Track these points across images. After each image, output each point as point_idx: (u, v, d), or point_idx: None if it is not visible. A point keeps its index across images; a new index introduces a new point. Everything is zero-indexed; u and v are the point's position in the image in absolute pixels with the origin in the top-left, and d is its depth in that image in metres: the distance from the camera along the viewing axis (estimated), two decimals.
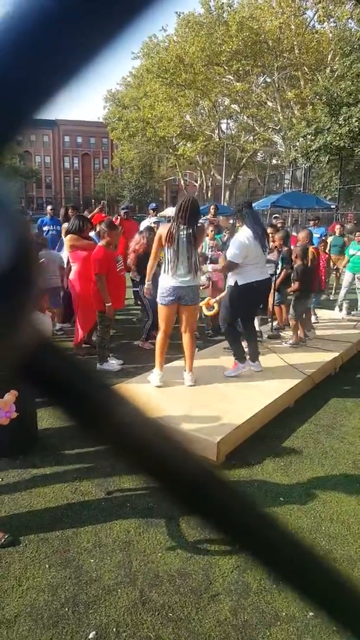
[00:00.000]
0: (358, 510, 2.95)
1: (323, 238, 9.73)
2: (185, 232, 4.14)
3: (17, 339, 0.23)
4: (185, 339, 4.43)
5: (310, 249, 6.30)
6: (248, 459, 3.49)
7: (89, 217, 8.04)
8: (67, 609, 2.16)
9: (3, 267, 0.21)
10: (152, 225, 7.81)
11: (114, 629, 2.05)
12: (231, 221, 9.79)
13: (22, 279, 0.22)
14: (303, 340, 5.89)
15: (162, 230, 4.29)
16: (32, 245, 0.23)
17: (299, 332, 5.86)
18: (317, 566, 0.34)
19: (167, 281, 4.24)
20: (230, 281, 4.69)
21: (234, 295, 4.66)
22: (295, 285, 5.65)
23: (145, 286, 4.61)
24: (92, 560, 2.46)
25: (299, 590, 0.34)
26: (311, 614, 2.15)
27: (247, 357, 4.78)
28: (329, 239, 10.23)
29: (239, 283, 4.57)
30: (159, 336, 4.44)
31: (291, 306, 5.89)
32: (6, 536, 2.61)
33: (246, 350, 4.82)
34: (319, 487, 3.19)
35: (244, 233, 4.58)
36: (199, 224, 4.42)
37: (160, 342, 4.42)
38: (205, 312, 6.26)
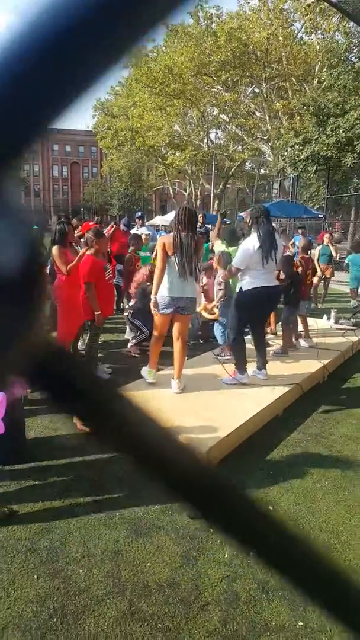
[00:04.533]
0: (347, 519, 2.96)
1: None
2: (187, 240, 4.21)
3: (24, 343, 0.23)
4: (177, 346, 4.47)
5: (299, 258, 6.36)
6: (237, 468, 3.49)
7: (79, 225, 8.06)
8: (55, 619, 2.14)
9: (12, 270, 0.21)
10: (141, 234, 7.86)
11: None
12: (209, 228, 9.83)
13: (29, 284, 0.23)
14: (285, 352, 5.93)
15: (166, 239, 4.32)
16: (40, 251, 0.23)
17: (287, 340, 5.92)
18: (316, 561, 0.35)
19: (169, 291, 4.29)
20: (237, 287, 4.74)
21: (240, 301, 4.69)
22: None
23: (152, 301, 4.46)
24: (80, 571, 2.45)
25: (294, 584, 0.35)
26: (300, 623, 2.16)
27: (247, 368, 4.80)
28: (317, 248, 10.32)
29: (244, 289, 4.60)
30: (154, 337, 4.56)
31: (283, 314, 5.96)
32: None
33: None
34: (308, 495, 3.20)
35: (251, 241, 4.60)
36: (198, 234, 4.46)
37: (154, 341, 4.55)
38: (206, 315, 6.28)
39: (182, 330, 4.46)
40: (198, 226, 10.07)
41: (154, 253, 5.52)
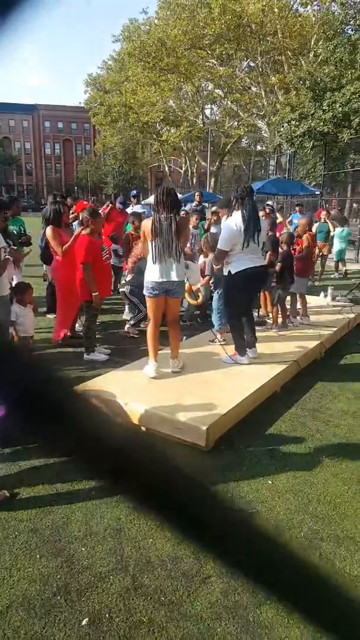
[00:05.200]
0: (344, 491, 3.00)
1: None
2: (167, 222, 4.11)
3: None
4: (171, 329, 4.46)
5: (306, 235, 6.33)
6: (236, 444, 3.53)
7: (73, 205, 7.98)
8: (59, 597, 2.17)
9: None
10: (140, 211, 7.81)
11: (107, 615, 2.07)
12: (213, 208, 9.73)
13: None
14: (285, 326, 5.95)
15: (146, 224, 4.27)
16: None
17: (279, 318, 5.94)
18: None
19: (153, 276, 4.23)
20: (225, 271, 4.70)
21: (230, 285, 4.67)
22: (276, 268, 5.71)
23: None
24: (83, 549, 2.48)
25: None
26: None
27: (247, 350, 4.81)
28: (315, 226, 10.30)
29: (232, 272, 4.57)
30: (150, 327, 4.44)
31: (272, 291, 5.97)
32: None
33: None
34: (306, 469, 3.24)
35: (234, 219, 4.56)
36: (181, 214, 4.38)
37: (151, 333, 4.40)
38: (188, 299, 6.29)
39: (173, 312, 4.43)
40: (194, 204, 10.04)
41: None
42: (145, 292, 4.37)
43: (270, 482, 3.09)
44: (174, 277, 4.21)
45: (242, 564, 0.34)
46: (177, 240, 4.15)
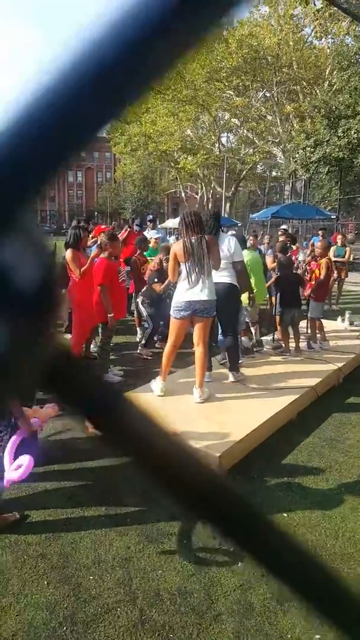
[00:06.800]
0: None
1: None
2: (197, 242, 4.15)
3: (38, 353, 0.25)
4: (198, 351, 4.33)
5: (325, 260, 6.29)
6: (250, 473, 3.43)
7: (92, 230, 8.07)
8: (65, 628, 2.09)
9: (30, 289, 0.23)
10: (150, 238, 7.94)
11: None
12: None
13: (45, 301, 0.24)
14: (299, 351, 5.88)
15: (176, 247, 4.30)
16: (56, 271, 0.25)
17: (291, 342, 5.89)
18: (324, 574, 0.34)
19: (183, 296, 4.23)
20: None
21: None
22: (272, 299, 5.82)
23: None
24: (91, 577, 2.40)
25: (303, 599, 0.33)
26: (317, 636, 2.09)
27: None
28: (331, 249, 10.24)
29: None
30: (167, 347, 4.40)
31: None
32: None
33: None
34: (323, 502, 3.12)
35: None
36: (209, 235, 4.39)
37: (168, 353, 4.39)
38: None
39: (202, 334, 4.31)
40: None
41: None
42: (172, 312, 4.35)
43: (285, 515, 2.98)
44: (204, 296, 4.20)
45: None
46: (208, 259, 4.19)
